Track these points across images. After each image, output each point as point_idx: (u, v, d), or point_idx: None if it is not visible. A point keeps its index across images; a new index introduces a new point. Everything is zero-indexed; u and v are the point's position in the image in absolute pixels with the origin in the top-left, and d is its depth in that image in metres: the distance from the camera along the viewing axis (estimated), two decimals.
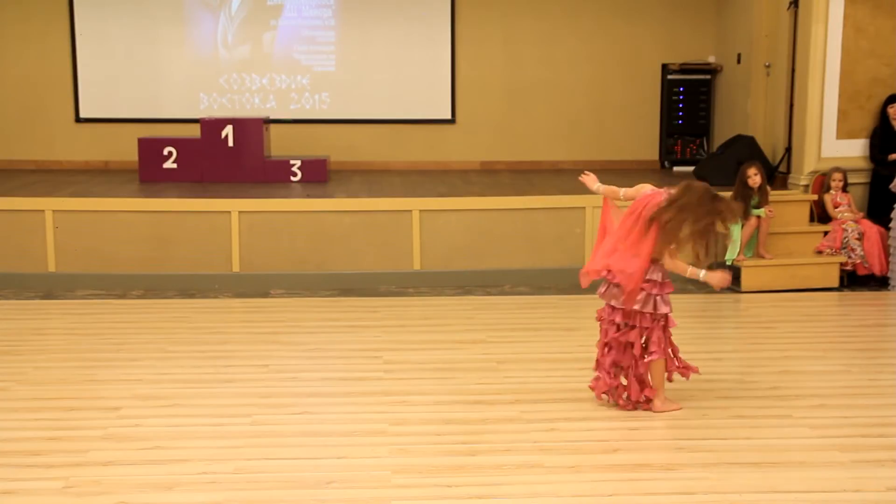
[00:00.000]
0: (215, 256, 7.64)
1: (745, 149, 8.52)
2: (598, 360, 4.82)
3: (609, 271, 4.65)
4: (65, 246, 7.58)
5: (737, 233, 7.52)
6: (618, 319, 4.67)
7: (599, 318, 4.80)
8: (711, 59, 10.25)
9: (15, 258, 7.57)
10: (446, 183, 8.93)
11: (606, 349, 4.76)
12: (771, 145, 8.89)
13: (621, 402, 4.76)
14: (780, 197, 7.98)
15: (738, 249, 7.52)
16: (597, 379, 4.81)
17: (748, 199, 7.53)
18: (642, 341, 4.69)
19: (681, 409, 4.74)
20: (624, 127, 10.39)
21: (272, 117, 9.70)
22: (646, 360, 4.68)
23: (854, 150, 8.26)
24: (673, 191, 4.50)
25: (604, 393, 4.79)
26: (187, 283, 7.54)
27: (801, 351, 5.93)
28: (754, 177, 7.53)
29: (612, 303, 4.67)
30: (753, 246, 7.66)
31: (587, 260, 7.74)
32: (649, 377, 4.73)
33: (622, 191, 4.79)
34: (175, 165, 8.89)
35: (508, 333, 6.10)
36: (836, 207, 8.01)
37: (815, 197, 8.12)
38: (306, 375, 5.36)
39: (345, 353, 5.77)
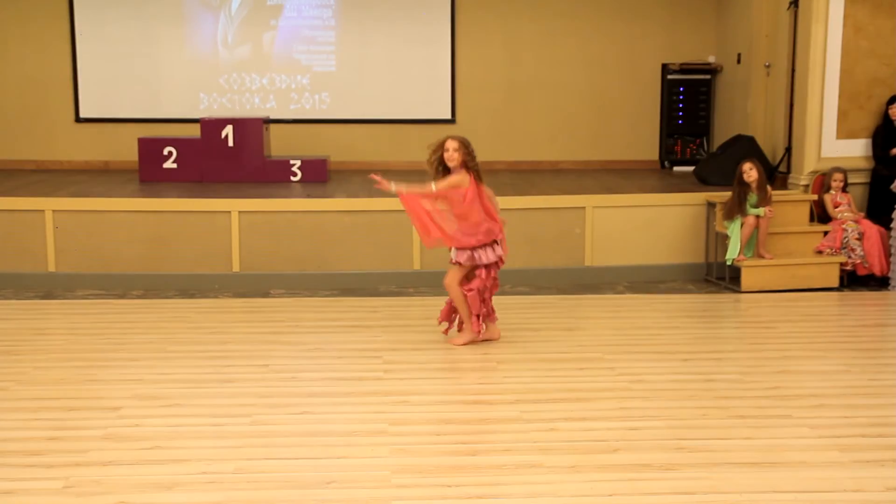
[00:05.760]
0: (215, 256, 7.64)
1: (745, 149, 8.51)
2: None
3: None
4: (65, 246, 7.58)
5: (736, 232, 7.52)
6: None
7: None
8: (711, 59, 10.25)
9: (15, 258, 7.57)
10: None
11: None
12: (771, 145, 8.89)
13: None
14: (780, 197, 7.97)
15: (738, 249, 7.52)
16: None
17: (745, 197, 7.53)
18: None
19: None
20: (624, 127, 10.39)
21: (272, 117, 9.70)
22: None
23: (854, 150, 8.26)
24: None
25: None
26: (187, 283, 7.54)
27: (801, 351, 5.93)
28: (749, 171, 7.52)
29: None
30: (753, 246, 7.66)
31: (587, 260, 7.87)
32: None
33: (433, 184, 5.93)
34: (175, 165, 8.89)
35: (508, 333, 6.09)
36: (836, 207, 8.01)
37: (815, 197, 8.12)
38: (306, 375, 5.36)
39: (345, 353, 5.77)
